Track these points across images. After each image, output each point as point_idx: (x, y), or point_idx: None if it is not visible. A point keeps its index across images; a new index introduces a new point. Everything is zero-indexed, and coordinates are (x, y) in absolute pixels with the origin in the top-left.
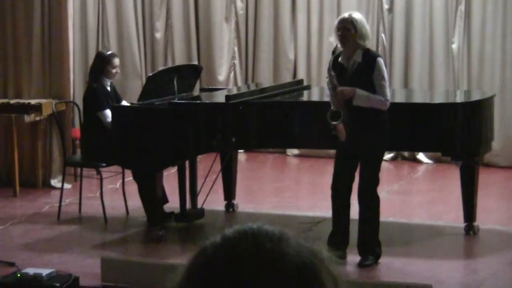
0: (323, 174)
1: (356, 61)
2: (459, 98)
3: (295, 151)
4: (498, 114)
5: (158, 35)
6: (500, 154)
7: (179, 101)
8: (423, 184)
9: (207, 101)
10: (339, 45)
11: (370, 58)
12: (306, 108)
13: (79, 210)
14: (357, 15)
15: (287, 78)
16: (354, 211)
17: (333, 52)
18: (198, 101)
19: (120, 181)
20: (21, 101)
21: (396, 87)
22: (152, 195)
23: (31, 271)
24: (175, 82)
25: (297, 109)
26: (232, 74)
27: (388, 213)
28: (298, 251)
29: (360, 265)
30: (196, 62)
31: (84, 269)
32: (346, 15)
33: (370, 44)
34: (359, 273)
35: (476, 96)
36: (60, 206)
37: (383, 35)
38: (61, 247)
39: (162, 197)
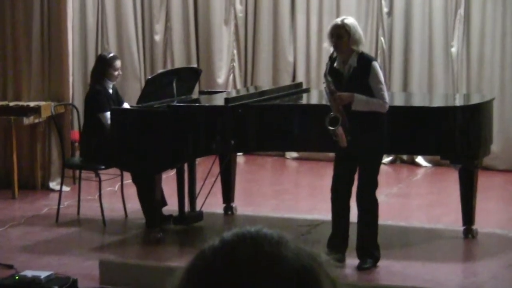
0: (322, 177)
1: (351, 65)
2: (458, 102)
3: (294, 154)
4: (497, 117)
5: (158, 37)
6: (499, 157)
7: (178, 104)
8: (422, 187)
9: (206, 104)
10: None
11: (365, 62)
12: (305, 111)
13: (78, 213)
14: (350, 20)
15: (286, 81)
16: (353, 214)
17: (330, 57)
18: (197, 104)
19: (119, 183)
20: (20, 103)
21: (395, 90)
22: (151, 197)
23: (29, 273)
24: (174, 84)
25: (296, 112)
26: (231, 77)
27: (387, 216)
28: (297, 254)
29: (359, 268)
30: (195, 65)
31: (83, 271)
32: (338, 21)
33: (370, 47)
34: (358, 276)
35: (475, 100)
36: (58, 209)
37: (382, 38)
38: (60, 250)
39: (161, 200)
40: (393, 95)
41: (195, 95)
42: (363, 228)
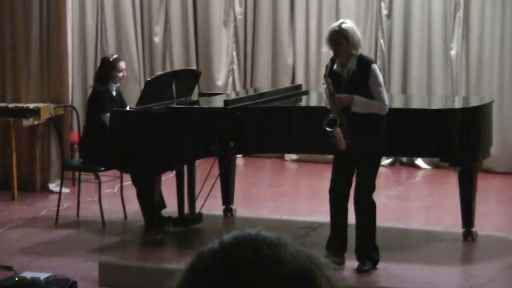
0: (321, 179)
1: (350, 69)
2: (458, 104)
3: (293, 156)
4: (497, 120)
5: (157, 39)
6: (499, 159)
7: (177, 106)
8: (422, 190)
9: (206, 106)
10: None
11: (364, 65)
12: (305, 113)
13: (77, 214)
14: (347, 25)
15: (285, 83)
16: (352, 216)
17: (332, 60)
18: (196, 106)
19: (118, 185)
20: (19, 105)
21: (395, 93)
22: (150, 199)
23: (28, 275)
24: (173, 86)
25: (296, 114)
26: (230, 79)
27: (386, 218)
28: (296, 256)
29: (358, 270)
30: (194, 67)
31: (82, 273)
32: (336, 27)
33: (369, 49)
34: (357, 279)
35: (474, 102)
36: (58, 210)
37: (381, 40)
38: (59, 251)
39: (160, 202)
40: (392, 97)
41: (194, 97)
42: (361, 230)
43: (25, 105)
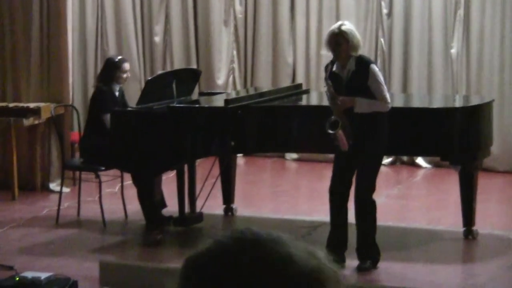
0: (321, 178)
1: (350, 70)
2: (458, 103)
3: (294, 155)
4: (497, 119)
5: (157, 39)
6: (499, 158)
7: (178, 105)
8: (422, 189)
9: (206, 105)
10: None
11: (363, 65)
12: (305, 112)
13: (78, 214)
14: (346, 27)
15: (286, 82)
16: (352, 215)
17: (331, 62)
18: (197, 105)
19: (119, 185)
20: (20, 104)
21: (395, 92)
22: (151, 198)
23: (29, 274)
24: (173, 86)
25: (296, 113)
26: (231, 78)
27: (387, 218)
28: (300, 251)
29: (359, 269)
30: (195, 66)
31: (83, 272)
32: (335, 29)
33: (369, 49)
34: (357, 278)
35: (475, 101)
36: (58, 210)
37: (382, 39)
38: (60, 251)
39: (161, 201)
40: (392, 96)
41: (194, 96)
42: (362, 229)
43: (25, 105)
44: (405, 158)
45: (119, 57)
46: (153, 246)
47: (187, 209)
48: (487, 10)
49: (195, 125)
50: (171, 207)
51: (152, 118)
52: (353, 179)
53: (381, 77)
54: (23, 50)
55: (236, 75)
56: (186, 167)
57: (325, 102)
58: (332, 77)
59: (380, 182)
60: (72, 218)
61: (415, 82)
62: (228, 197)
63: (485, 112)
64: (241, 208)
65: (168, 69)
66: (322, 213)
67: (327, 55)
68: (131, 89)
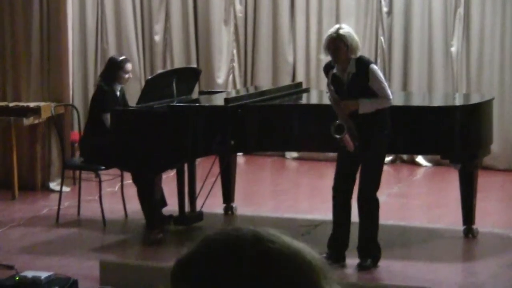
0: (322, 177)
1: (350, 72)
2: (458, 101)
3: (294, 154)
4: (497, 117)
5: (157, 38)
6: (499, 157)
7: (178, 104)
8: (422, 187)
9: (206, 104)
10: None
11: (362, 66)
12: (305, 111)
13: (78, 213)
14: (345, 30)
15: (286, 81)
16: (354, 214)
17: (332, 66)
18: (197, 104)
19: (119, 184)
20: (20, 104)
21: (395, 90)
22: (151, 198)
23: (29, 274)
24: (174, 85)
25: (296, 112)
26: (231, 77)
27: (387, 216)
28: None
29: (360, 267)
30: (195, 65)
31: (83, 272)
32: (334, 33)
33: (369, 47)
34: (358, 276)
35: (475, 99)
36: (58, 209)
37: (382, 38)
38: (60, 250)
39: (161, 200)
40: (392, 95)
41: (195, 95)
42: (364, 227)
43: (25, 104)
44: (405, 156)
45: (122, 57)
46: (154, 245)
47: (187, 208)
48: (487, 8)
49: (195, 124)
50: (171, 206)
51: (152, 117)
52: (357, 177)
53: (381, 75)
54: (23, 49)
55: (236, 74)
56: (186, 166)
57: (326, 101)
58: (333, 80)
59: (381, 181)
60: (72, 218)
61: (415, 80)
62: (228, 196)
63: (485, 110)
64: (241, 207)
65: (168, 68)
66: (322, 212)
67: (326, 60)
68: (131, 88)
